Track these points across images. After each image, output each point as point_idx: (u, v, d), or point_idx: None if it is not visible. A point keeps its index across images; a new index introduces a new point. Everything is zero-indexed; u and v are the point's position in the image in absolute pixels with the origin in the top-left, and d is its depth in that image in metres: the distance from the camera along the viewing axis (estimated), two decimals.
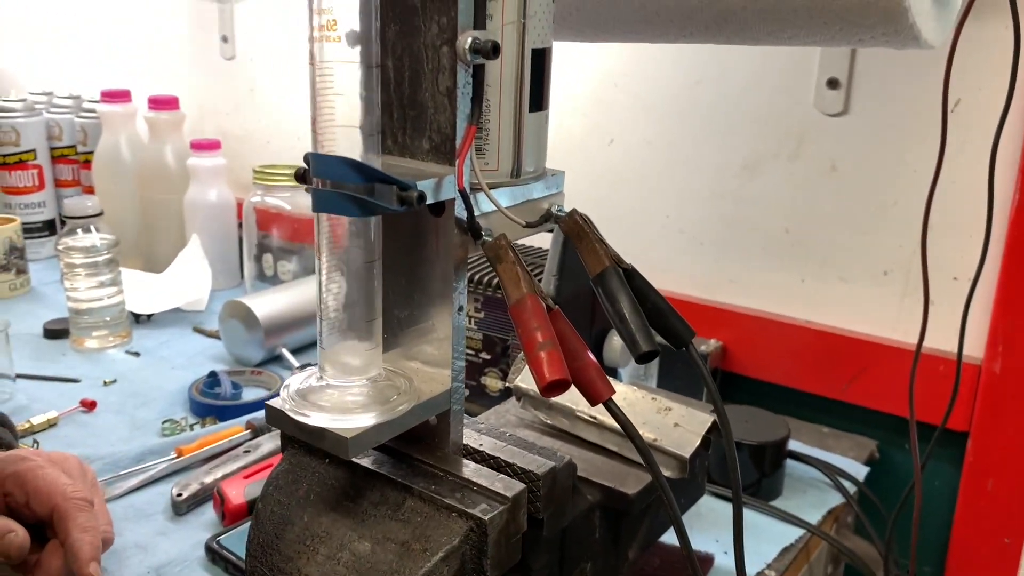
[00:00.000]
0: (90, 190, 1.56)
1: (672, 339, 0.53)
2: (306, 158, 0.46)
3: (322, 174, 0.44)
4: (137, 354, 1.22)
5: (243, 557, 0.78)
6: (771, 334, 1.08)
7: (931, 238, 0.97)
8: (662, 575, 0.79)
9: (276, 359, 1.19)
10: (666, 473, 0.63)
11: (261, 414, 1.00)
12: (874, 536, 0.91)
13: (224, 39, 1.58)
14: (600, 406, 0.48)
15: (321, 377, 0.48)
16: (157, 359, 1.21)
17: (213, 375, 1.09)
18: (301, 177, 0.47)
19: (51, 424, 1.01)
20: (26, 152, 1.56)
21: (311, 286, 1.26)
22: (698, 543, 0.84)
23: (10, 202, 1.57)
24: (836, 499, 0.93)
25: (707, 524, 0.87)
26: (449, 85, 0.46)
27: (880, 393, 1.02)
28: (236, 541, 0.79)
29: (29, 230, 1.51)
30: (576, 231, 0.53)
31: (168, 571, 0.77)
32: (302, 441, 0.53)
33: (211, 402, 1.05)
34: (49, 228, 1.61)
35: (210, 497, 0.87)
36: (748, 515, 0.88)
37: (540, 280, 0.79)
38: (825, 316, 1.06)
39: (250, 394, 1.10)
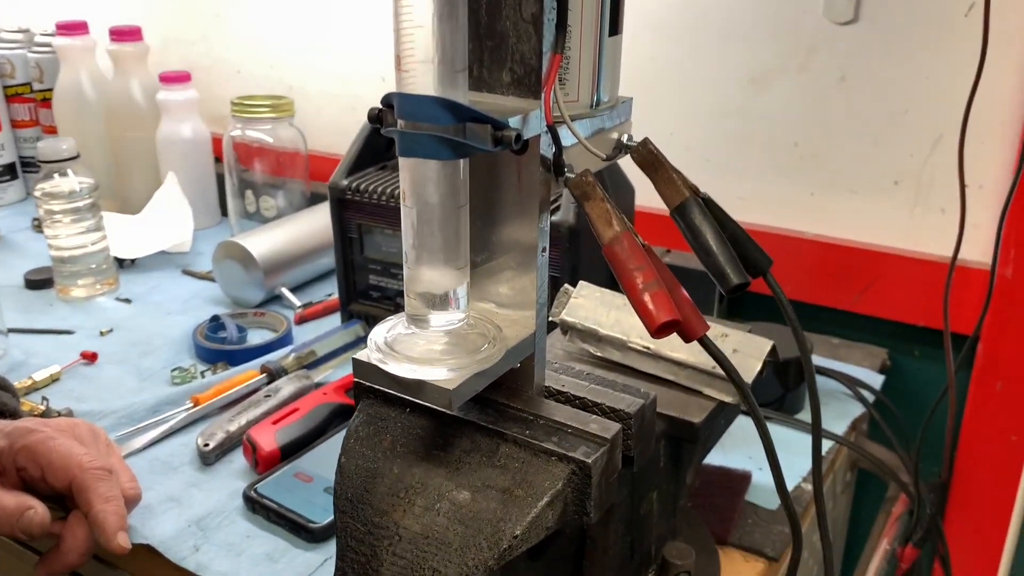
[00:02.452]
0: (51, 130, 1.48)
1: (750, 268, 0.52)
2: (386, 99, 0.43)
3: (410, 115, 0.42)
4: (128, 301, 1.17)
5: (283, 504, 0.78)
6: (780, 249, 1.07)
7: (943, 146, 0.97)
8: (704, 493, 0.81)
9: (275, 299, 1.16)
10: (727, 399, 0.63)
11: (275, 356, 0.98)
12: (895, 443, 0.94)
13: None
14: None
15: (408, 326, 0.46)
16: (150, 305, 1.17)
17: (216, 319, 1.06)
18: (376, 118, 0.44)
19: (54, 379, 0.97)
20: None
21: (303, 222, 1.22)
22: (732, 461, 0.85)
23: None
24: (857, 409, 0.94)
25: (738, 441, 0.88)
26: (535, 11, 0.43)
27: (891, 302, 1.03)
28: (273, 488, 0.78)
29: None
30: (651, 161, 0.51)
31: (209, 523, 0.76)
32: (379, 391, 0.51)
33: (219, 347, 1.02)
34: (10, 172, 1.53)
35: (238, 445, 0.85)
36: (777, 431, 0.90)
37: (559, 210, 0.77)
38: (835, 229, 1.06)
39: (256, 336, 1.07)
